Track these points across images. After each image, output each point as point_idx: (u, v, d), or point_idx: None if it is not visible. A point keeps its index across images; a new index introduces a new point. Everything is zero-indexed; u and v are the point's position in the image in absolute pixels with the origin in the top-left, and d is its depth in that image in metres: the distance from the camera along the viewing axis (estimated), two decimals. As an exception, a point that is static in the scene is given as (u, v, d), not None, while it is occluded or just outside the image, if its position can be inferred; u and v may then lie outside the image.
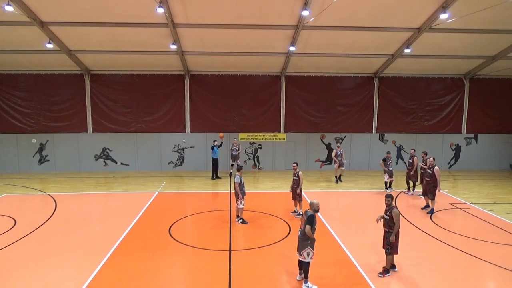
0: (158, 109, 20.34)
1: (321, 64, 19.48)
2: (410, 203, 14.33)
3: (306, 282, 7.64)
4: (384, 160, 15.91)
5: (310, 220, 7.54)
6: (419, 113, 21.25)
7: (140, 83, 20.03)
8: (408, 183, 15.80)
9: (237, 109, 20.64)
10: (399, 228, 8.17)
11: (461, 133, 21.54)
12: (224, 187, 16.90)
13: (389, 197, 8.33)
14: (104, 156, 20.31)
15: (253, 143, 20.87)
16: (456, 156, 21.59)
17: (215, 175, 18.51)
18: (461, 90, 21.16)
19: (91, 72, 19.83)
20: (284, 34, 16.09)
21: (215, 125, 20.46)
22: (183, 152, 20.61)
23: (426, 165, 14.02)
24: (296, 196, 12.33)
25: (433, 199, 12.96)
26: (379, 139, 21.26)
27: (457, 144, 21.50)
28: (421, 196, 14.84)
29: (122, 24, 14.95)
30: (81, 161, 20.15)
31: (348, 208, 14.12)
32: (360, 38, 16.44)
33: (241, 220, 11.67)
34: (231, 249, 9.69)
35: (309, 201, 7.97)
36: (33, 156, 19.94)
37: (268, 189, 16.50)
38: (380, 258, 8.78)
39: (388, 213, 8.21)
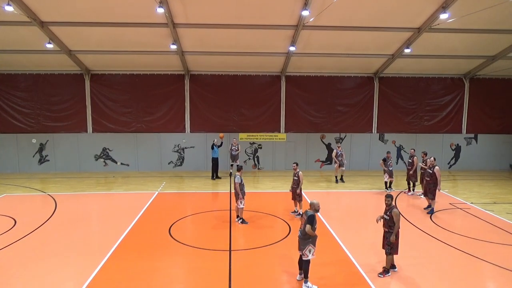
0: (158, 109, 20.34)
1: (321, 64, 19.48)
2: (410, 203, 14.33)
3: (306, 282, 7.63)
4: (384, 160, 15.91)
5: (311, 219, 7.54)
6: (419, 113, 21.25)
7: (140, 83, 20.03)
8: (409, 183, 15.80)
9: (237, 109, 20.64)
10: (399, 228, 8.18)
11: (461, 133, 21.54)
12: (224, 187, 16.90)
13: (389, 197, 8.33)
14: (104, 156, 20.31)
15: (253, 143, 20.87)
16: (456, 156, 21.60)
17: (215, 175, 18.51)
18: (461, 90, 21.16)
19: (91, 72, 19.83)
20: (284, 34, 16.09)
21: (215, 125, 20.46)
22: (183, 152, 20.61)
23: (426, 165, 14.03)
24: (296, 196, 12.34)
25: (433, 199, 12.96)
26: (379, 139, 21.26)
27: (457, 144, 21.50)
28: (421, 196, 14.87)
29: (122, 24, 14.95)
30: (81, 161, 20.15)
31: (348, 208, 14.12)
32: (360, 38, 16.44)
33: (241, 220, 11.67)
34: (231, 249, 9.69)
35: (309, 201, 7.97)
36: (33, 156, 19.95)
37: (268, 189, 16.50)
38: (380, 258, 8.78)
39: (388, 213, 8.21)
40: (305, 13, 13.36)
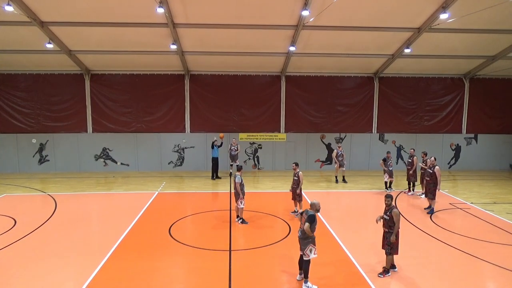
0: (158, 109, 20.34)
1: (321, 64, 19.48)
2: (410, 203, 14.33)
3: (306, 282, 7.63)
4: (384, 160, 15.91)
5: (311, 219, 7.54)
6: (419, 113, 21.25)
7: (140, 83, 20.03)
8: (409, 183, 15.79)
9: (237, 109, 20.64)
10: (399, 228, 8.17)
11: (461, 133, 21.54)
12: (224, 187, 16.90)
13: (389, 197, 8.33)
14: (104, 156, 20.31)
15: (253, 143, 20.87)
16: (456, 156, 21.59)
17: (215, 175, 18.51)
18: (461, 90, 21.16)
19: (91, 72, 19.83)
20: (284, 34, 16.09)
21: (215, 125, 20.46)
22: (183, 152, 20.61)
23: (426, 165, 14.02)
24: (296, 196, 12.33)
25: (433, 198, 12.96)
26: (379, 139, 21.26)
27: (457, 144, 21.50)
28: (421, 197, 14.88)
29: (122, 24, 14.95)
30: (81, 161, 20.15)
31: (348, 208, 14.12)
32: (360, 38, 16.44)
33: (241, 220, 11.67)
34: (231, 249, 9.69)
35: (309, 202, 7.97)
36: (33, 156, 19.94)
37: (268, 189, 16.50)
38: (380, 258, 8.78)
39: (388, 213, 8.21)
40: (305, 13, 13.36)
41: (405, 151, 21.03)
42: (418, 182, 15.83)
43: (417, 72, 20.56)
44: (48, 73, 19.62)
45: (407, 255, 9.09)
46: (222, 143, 18.84)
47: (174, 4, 13.69)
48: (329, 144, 21.06)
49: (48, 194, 15.30)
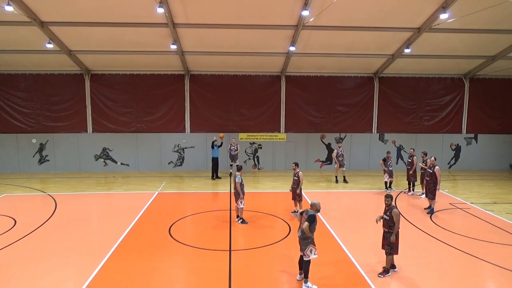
0: (158, 109, 20.34)
1: (321, 64, 19.48)
2: (410, 203, 14.33)
3: (306, 282, 7.64)
4: (384, 160, 15.90)
5: (311, 219, 7.55)
6: (419, 113, 21.25)
7: (140, 83, 20.03)
8: (409, 183, 15.79)
9: (237, 109, 20.64)
10: (399, 228, 8.17)
11: (461, 133, 21.54)
12: (224, 187, 16.90)
13: (388, 197, 8.33)
14: (104, 156, 20.31)
15: (253, 143, 20.87)
16: (456, 156, 21.59)
17: (215, 175, 18.51)
18: (461, 90, 21.16)
19: (91, 72, 19.83)
20: (284, 34, 16.08)
21: (215, 125, 20.46)
22: (183, 152, 20.61)
23: (426, 165, 14.02)
24: (296, 196, 12.33)
25: (433, 198, 12.95)
26: (379, 139, 21.26)
27: (457, 144, 21.50)
28: (421, 197, 14.88)
29: (122, 24, 14.95)
30: (81, 161, 20.15)
31: (348, 208, 14.12)
32: (360, 38, 16.44)
33: (241, 220, 11.67)
34: (231, 249, 9.69)
35: (309, 202, 7.96)
36: (33, 156, 19.94)
37: (268, 189, 16.50)
38: (380, 258, 8.78)
39: (388, 213, 8.21)
40: (305, 13, 13.36)
41: (405, 151, 21.03)
42: (418, 182, 15.83)
43: (417, 72, 20.56)
44: (48, 73, 19.62)
45: (407, 255, 9.09)
46: (222, 143, 18.84)
47: (174, 4, 13.69)
48: (329, 144, 21.06)
49: (48, 194, 15.30)
